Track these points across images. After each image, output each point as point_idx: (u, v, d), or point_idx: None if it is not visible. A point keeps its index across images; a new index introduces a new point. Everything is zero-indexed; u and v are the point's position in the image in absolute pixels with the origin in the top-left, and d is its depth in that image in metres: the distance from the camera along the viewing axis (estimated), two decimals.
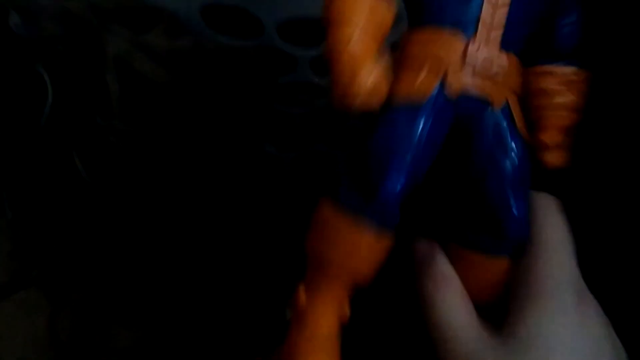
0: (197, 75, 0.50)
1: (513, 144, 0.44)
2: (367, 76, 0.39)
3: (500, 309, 0.43)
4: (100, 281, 0.47)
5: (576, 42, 0.47)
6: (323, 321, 0.42)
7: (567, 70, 0.46)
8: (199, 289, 0.49)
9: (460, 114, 0.43)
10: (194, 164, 0.50)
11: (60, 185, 0.48)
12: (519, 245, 0.44)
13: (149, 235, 0.47)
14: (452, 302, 0.42)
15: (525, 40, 0.45)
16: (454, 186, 0.46)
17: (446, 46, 0.42)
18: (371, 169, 0.41)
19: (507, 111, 0.44)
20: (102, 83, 0.45)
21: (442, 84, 0.42)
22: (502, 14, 0.42)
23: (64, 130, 0.47)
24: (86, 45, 0.47)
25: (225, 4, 0.56)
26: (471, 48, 0.42)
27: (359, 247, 0.41)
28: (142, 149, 0.45)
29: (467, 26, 0.43)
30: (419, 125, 0.42)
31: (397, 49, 0.45)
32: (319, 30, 0.58)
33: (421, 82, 0.42)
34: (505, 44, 0.43)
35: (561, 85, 0.46)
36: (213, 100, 0.53)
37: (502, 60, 0.43)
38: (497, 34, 0.43)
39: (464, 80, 0.42)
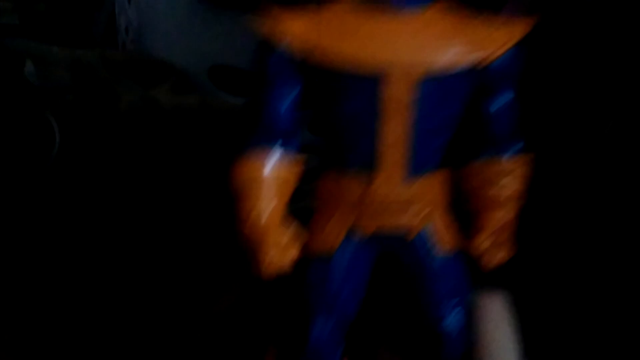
0: (202, 131, 0.52)
1: (436, 266, 0.43)
2: (275, 245, 0.40)
3: None
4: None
5: (513, 124, 0.44)
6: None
7: (507, 162, 0.44)
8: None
9: (381, 247, 0.43)
10: (192, 219, 0.51)
11: (59, 226, 0.49)
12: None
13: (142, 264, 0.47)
14: None
15: (444, 148, 0.43)
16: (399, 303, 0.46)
17: (351, 190, 0.42)
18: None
19: (426, 236, 0.43)
20: (111, 133, 0.47)
21: (352, 230, 0.42)
22: (406, 143, 0.41)
23: (68, 174, 0.48)
24: (96, 97, 0.48)
25: (232, 66, 0.58)
26: (376, 187, 0.41)
27: None
28: (144, 196, 0.46)
29: (370, 166, 0.41)
30: (333, 276, 0.42)
31: None
32: None
33: (328, 235, 0.42)
34: (418, 167, 0.42)
35: (503, 178, 0.44)
36: (215, 155, 0.55)
37: (413, 188, 0.42)
38: (402, 165, 0.41)
39: (373, 222, 0.42)
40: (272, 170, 0.40)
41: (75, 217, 0.49)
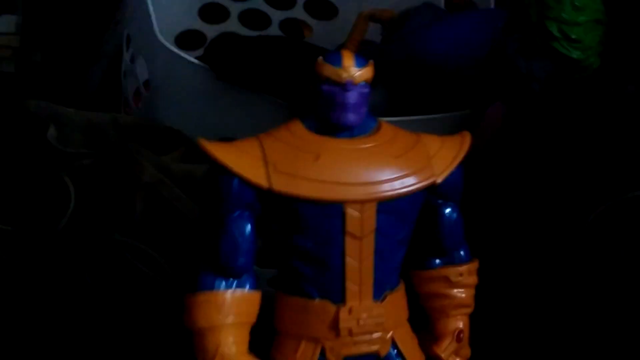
0: None
1: None
2: None
3: None
4: None
5: (459, 236, 0.46)
6: None
7: (458, 269, 0.46)
8: None
9: None
10: None
11: (64, 289, 0.49)
12: None
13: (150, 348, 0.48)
14: None
15: (401, 264, 0.45)
16: None
17: (316, 322, 0.42)
18: None
19: (394, 352, 0.44)
20: (128, 201, 0.48)
21: (322, 357, 0.42)
22: (367, 268, 0.42)
23: (79, 239, 0.49)
24: (114, 164, 0.50)
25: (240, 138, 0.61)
26: (342, 315, 0.42)
27: None
28: (157, 268, 0.47)
29: (334, 294, 0.42)
30: None
31: None
32: None
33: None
34: (381, 288, 0.43)
35: (454, 287, 0.46)
36: None
37: (378, 311, 0.43)
38: (367, 289, 0.42)
39: (343, 349, 0.42)
40: (229, 315, 0.40)
41: (76, 283, 0.49)
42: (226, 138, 0.62)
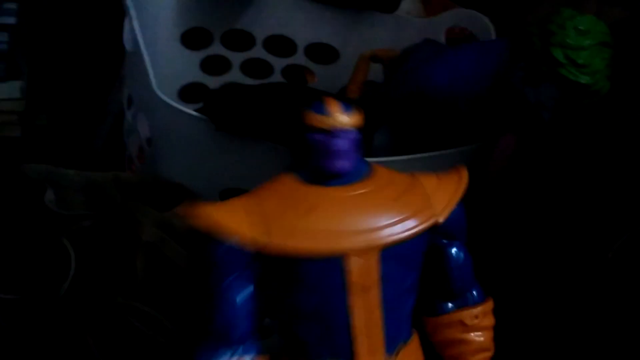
0: None
1: None
2: None
3: None
4: None
5: (469, 276, 0.44)
6: None
7: (472, 311, 0.44)
8: None
9: None
10: None
11: (68, 355, 0.48)
12: None
13: None
14: None
15: (411, 312, 0.43)
16: None
17: None
18: None
19: None
20: (128, 263, 0.47)
21: None
22: (376, 321, 0.40)
23: (81, 304, 0.47)
24: (114, 225, 0.49)
25: (244, 189, 0.59)
26: None
27: None
28: (160, 329, 0.45)
29: (344, 354, 0.40)
30: None
31: None
32: None
33: None
34: (394, 342, 0.41)
35: (471, 331, 0.44)
36: None
37: None
38: (378, 345, 0.40)
39: None
40: None
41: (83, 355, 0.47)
42: (230, 189, 0.61)
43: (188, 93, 0.84)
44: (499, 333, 0.46)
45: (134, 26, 0.61)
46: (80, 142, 0.92)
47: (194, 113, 0.56)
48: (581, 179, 0.54)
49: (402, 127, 0.60)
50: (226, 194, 0.61)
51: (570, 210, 0.55)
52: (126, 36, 0.65)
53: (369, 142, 0.59)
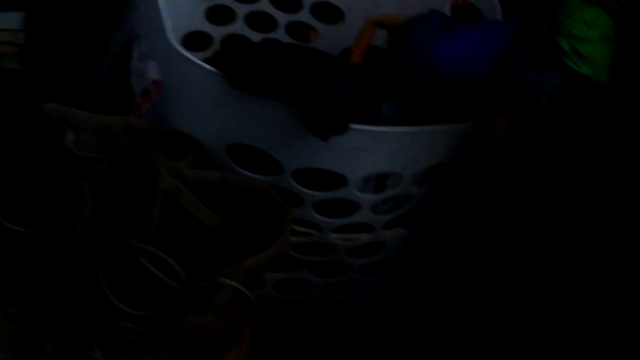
0: (224, 207, 0.54)
1: None
2: None
3: None
4: None
5: None
6: None
7: None
8: None
9: None
10: None
11: (79, 291, 0.50)
12: None
13: None
14: None
15: None
16: None
17: None
18: None
19: None
20: (144, 207, 0.49)
21: None
22: None
23: (95, 243, 0.49)
24: (130, 169, 0.50)
25: (252, 145, 0.61)
26: None
27: None
28: (173, 275, 0.48)
29: None
30: None
31: None
32: (325, 179, 0.64)
33: None
34: None
35: None
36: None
37: None
38: None
39: None
40: None
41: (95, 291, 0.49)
42: (236, 144, 0.63)
43: (190, 41, 0.84)
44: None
45: None
46: (78, 79, 0.92)
47: (210, 67, 0.57)
48: (572, 167, 0.57)
49: (408, 99, 0.62)
50: (232, 149, 0.63)
51: (558, 191, 0.58)
52: None
53: (375, 111, 0.61)
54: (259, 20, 0.87)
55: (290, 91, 0.56)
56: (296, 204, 0.65)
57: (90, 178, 0.50)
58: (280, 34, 0.88)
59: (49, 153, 0.50)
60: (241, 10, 0.86)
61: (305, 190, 0.64)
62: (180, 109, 0.63)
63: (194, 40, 0.85)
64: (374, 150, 0.61)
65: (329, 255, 0.73)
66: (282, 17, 0.87)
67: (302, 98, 0.55)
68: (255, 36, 0.86)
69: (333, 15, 0.89)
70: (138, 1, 0.71)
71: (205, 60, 0.62)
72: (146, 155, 0.50)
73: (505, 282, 0.68)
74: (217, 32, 0.85)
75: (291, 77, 0.56)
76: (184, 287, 0.48)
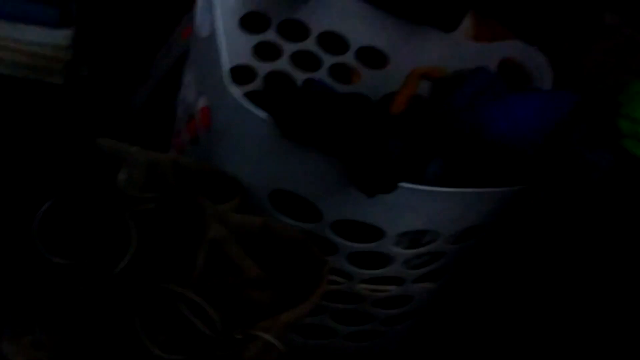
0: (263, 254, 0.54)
1: None
2: None
3: None
4: None
5: None
6: None
7: None
8: None
9: None
10: None
11: (114, 331, 0.50)
12: None
13: None
14: None
15: None
16: None
17: None
18: None
19: None
20: (189, 253, 0.49)
21: None
22: None
23: (135, 284, 0.50)
24: (178, 212, 0.50)
25: (295, 192, 0.61)
26: None
27: None
28: (210, 324, 0.48)
29: None
30: None
31: None
32: (362, 230, 0.64)
33: None
34: None
35: None
36: None
37: None
38: None
39: None
40: None
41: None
42: (281, 190, 0.63)
43: (235, 73, 0.85)
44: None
45: (216, 14, 0.62)
46: (119, 98, 0.93)
47: (262, 114, 0.57)
48: (610, 245, 0.57)
49: (456, 160, 0.62)
50: (275, 194, 0.63)
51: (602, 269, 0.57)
52: (199, 20, 0.66)
53: (421, 171, 0.61)
54: (304, 59, 0.88)
55: (340, 144, 0.56)
56: (330, 252, 0.65)
57: (138, 217, 0.50)
58: (323, 74, 0.88)
59: (101, 189, 0.51)
60: (288, 48, 0.86)
61: (342, 241, 0.64)
62: (226, 149, 0.63)
63: (238, 73, 0.86)
64: (417, 208, 0.61)
65: (355, 304, 0.72)
66: (327, 58, 0.87)
67: (352, 152, 0.55)
68: (299, 75, 0.87)
69: (377, 60, 0.89)
70: (200, 43, 0.71)
71: (248, 95, 0.62)
72: (195, 200, 0.50)
73: (526, 336, 0.67)
74: (262, 68, 0.85)
75: (344, 131, 0.56)
76: (219, 336, 0.48)
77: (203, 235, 0.48)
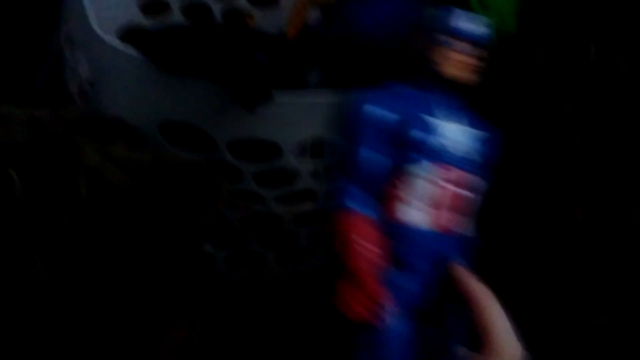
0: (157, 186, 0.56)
1: None
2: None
3: None
4: None
5: None
6: None
7: None
8: None
9: None
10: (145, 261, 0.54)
11: (15, 273, 0.51)
12: None
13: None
14: None
15: None
16: None
17: None
18: None
19: None
20: (72, 188, 0.50)
21: None
22: None
23: (28, 226, 0.51)
24: (57, 154, 0.52)
25: (183, 122, 0.63)
26: None
27: None
28: (103, 248, 0.49)
29: None
30: None
31: None
32: (262, 149, 0.66)
33: None
34: None
35: None
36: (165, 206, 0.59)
37: None
38: None
39: None
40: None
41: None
42: (168, 123, 0.65)
43: (126, 34, 0.85)
44: None
45: None
46: (19, 82, 0.92)
47: (134, 53, 0.59)
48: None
49: (332, 66, 0.64)
50: (167, 129, 0.64)
51: None
52: None
53: (302, 82, 0.63)
54: (194, 11, 0.89)
55: (212, 67, 0.57)
56: (236, 179, 0.67)
57: (18, 164, 0.51)
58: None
59: None
60: (176, 1, 0.87)
61: (242, 163, 0.66)
62: (111, 96, 0.64)
63: (129, 33, 0.85)
64: (301, 118, 0.62)
65: (277, 225, 0.74)
66: (217, 6, 0.88)
67: (224, 72, 0.57)
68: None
69: (267, 0, 0.91)
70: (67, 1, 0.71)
71: (138, 49, 0.63)
72: (72, 137, 0.51)
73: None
74: (153, 24, 0.86)
75: (213, 55, 0.57)
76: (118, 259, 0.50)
77: (79, 165, 0.50)
